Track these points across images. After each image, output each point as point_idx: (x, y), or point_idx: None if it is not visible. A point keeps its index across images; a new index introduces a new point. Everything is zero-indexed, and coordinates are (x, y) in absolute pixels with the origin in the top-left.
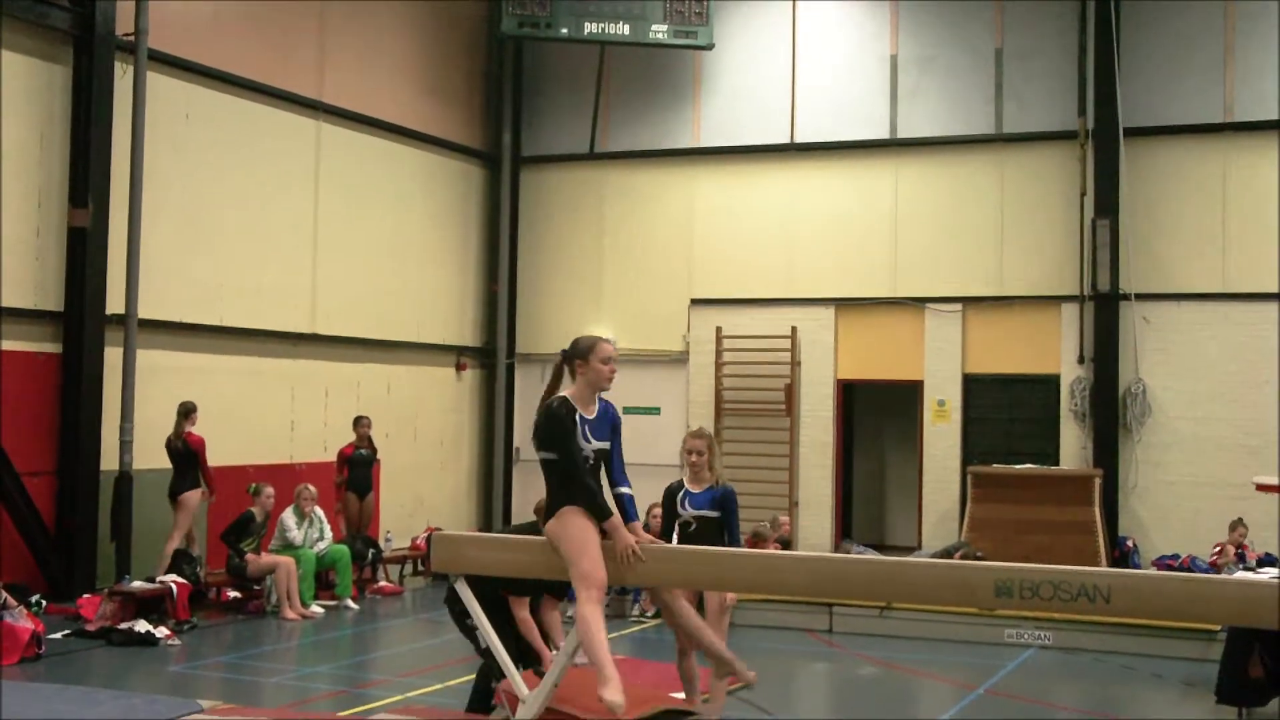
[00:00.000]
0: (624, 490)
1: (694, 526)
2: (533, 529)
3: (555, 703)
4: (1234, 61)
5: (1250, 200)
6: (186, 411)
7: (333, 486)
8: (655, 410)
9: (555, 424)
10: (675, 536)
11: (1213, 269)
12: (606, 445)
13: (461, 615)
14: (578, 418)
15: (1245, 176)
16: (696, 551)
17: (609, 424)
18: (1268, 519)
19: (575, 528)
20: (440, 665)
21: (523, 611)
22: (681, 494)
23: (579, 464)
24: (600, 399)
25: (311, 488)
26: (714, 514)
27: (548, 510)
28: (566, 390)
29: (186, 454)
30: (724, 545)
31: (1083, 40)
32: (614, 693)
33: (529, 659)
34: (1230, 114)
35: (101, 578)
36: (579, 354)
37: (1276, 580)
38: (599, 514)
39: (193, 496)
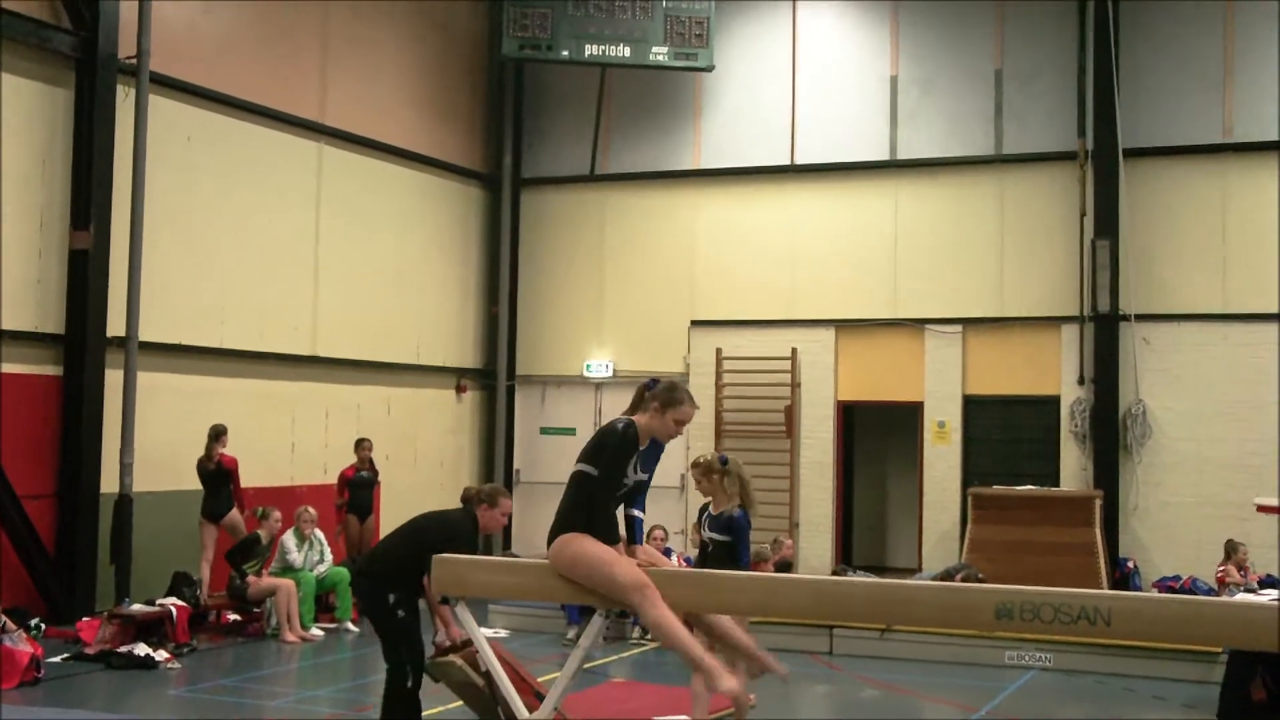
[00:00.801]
0: (636, 513)
1: (710, 549)
2: (467, 518)
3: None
4: (1233, 82)
5: (1250, 221)
6: (217, 434)
7: (333, 508)
8: None
9: (619, 449)
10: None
11: (1212, 290)
12: (645, 478)
13: (371, 609)
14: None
15: (1245, 197)
16: (695, 574)
17: (655, 456)
18: (1269, 540)
19: (590, 550)
20: (441, 689)
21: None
22: (704, 516)
23: (613, 494)
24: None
25: (311, 510)
26: (724, 538)
27: (558, 527)
28: (637, 417)
29: (219, 475)
30: (733, 568)
31: (1082, 61)
32: (728, 682)
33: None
34: (1230, 134)
35: (101, 600)
36: (660, 400)
37: (1278, 602)
38: (607, 542)
39: (235, 516)
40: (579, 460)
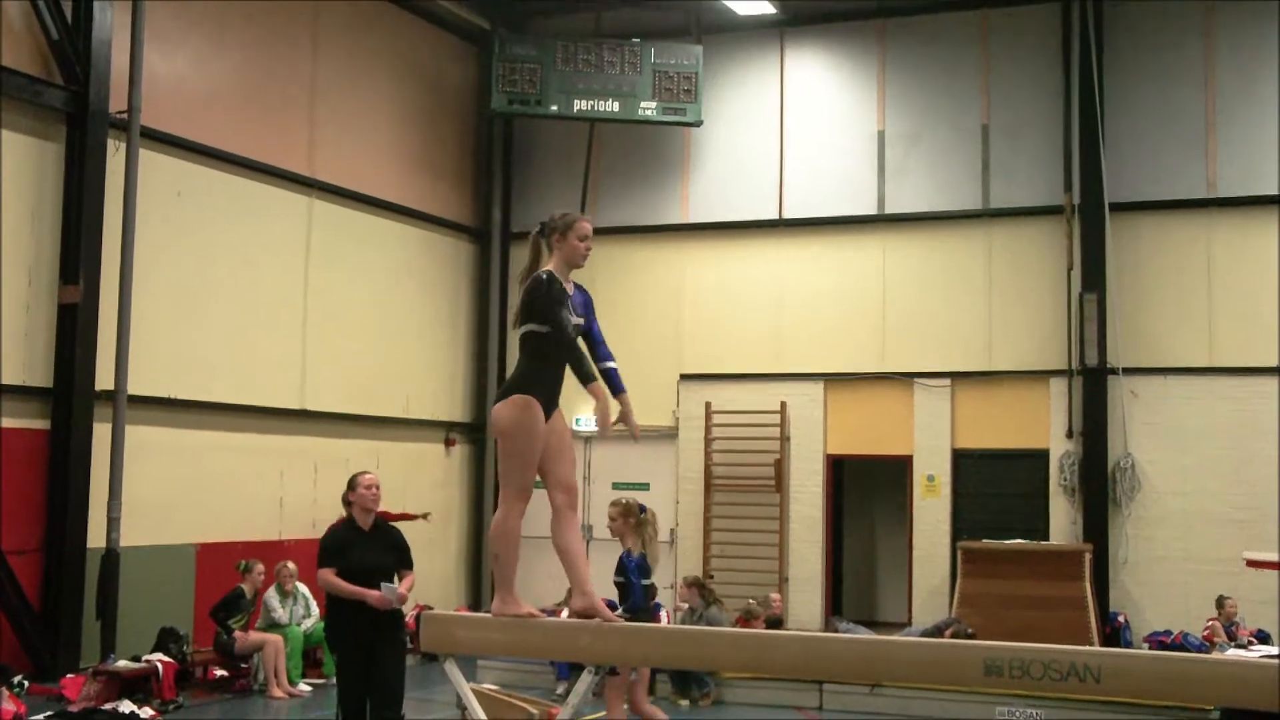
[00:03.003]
0: (610, 364)
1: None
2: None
3: None
4: (1216, 138)
5: (1234, 274)
6: None
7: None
8: (645, 486)
9: (546, 294)
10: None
11: (1199, 343)
12: (581, 322)
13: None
14: (565, 289)
15: (1229, 251)
16: (685, 631)
17: (583, 303)
18: (1259, 594)
19: (531, 430)
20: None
21: None
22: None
23: (570, 333)
24: (575, 284)
25: (290, 564)
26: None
27: (506, 390)
28: (548, 265)
29: None
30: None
31: (1068, 116)
32: (515, 607)
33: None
34: (1213, 189)
35: (86, 657)
36: (556, 229)
37: (1269, 660)
38: (585, 376)
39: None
40: (519, 323)
